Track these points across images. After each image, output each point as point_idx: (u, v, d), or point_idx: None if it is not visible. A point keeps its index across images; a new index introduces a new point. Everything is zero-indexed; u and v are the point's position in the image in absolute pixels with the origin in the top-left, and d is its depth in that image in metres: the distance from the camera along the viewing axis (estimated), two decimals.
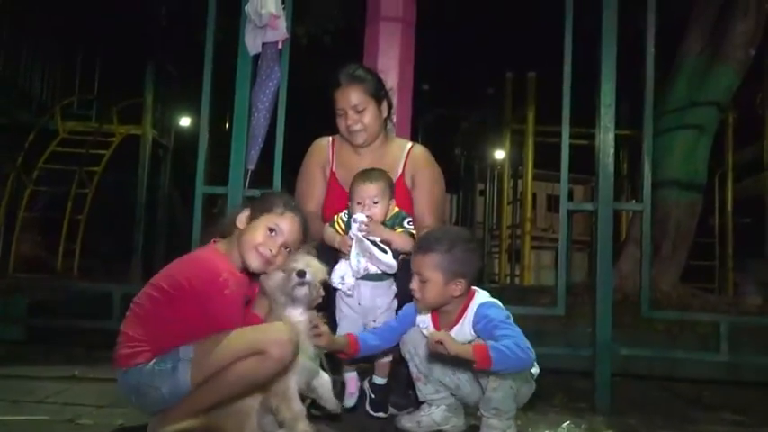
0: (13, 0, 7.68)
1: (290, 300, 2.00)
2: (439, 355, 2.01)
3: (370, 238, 2.24)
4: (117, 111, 8.64)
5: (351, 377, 2.43)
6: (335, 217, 2.41)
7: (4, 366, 3.07)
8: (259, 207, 2.08)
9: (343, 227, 2.36)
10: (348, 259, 2.25)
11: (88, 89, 9.12)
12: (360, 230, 2.24)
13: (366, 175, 2.39)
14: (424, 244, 2.13)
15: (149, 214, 8.95)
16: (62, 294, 4.79)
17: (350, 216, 2.34)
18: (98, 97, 9.12)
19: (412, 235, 2.32)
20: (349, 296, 2.29)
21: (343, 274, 2.25)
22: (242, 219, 2.07)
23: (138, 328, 1.91)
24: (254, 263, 2.01)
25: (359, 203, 2.33)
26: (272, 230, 2.02)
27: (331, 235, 2.36)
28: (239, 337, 1.85)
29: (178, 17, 7.87)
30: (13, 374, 2.92)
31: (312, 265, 2.02)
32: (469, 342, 2.02)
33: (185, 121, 10.51)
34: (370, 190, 2.33)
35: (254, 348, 1.81)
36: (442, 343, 1.88)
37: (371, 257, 2.21)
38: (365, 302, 2.30)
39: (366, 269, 2.24)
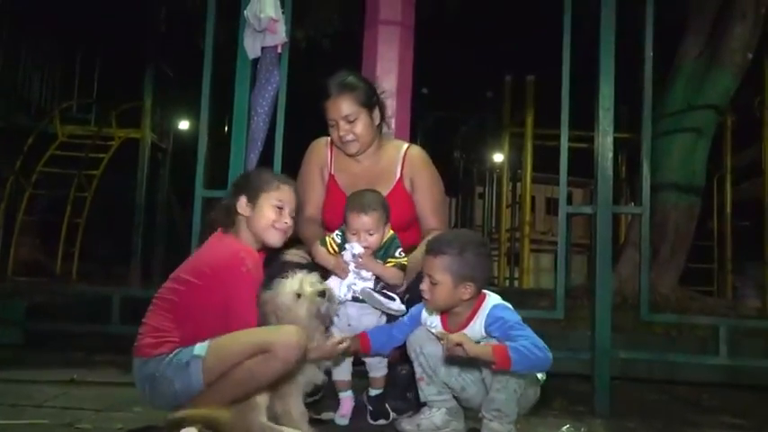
0: (13, 1, 7.68)
1: (321, 320, 2.09)
2: (456, 358, 2.00)
3: (373, 287, 2.25)
4: (116, 114, 8.64)
5: (347, 397, 2.40)
6: (327, 237, 2.36)
7: (2, 370, 3.05)
8: (253, 189, 2.16)
9: (336, 248, 2.33)
10: (338, 277, 2.27)
11: (87, 92, 9.12)
12: (353, 261, 2.25)
13: (361, 204, 2.29)
14: (435, 246, 2.13)
15: (148, 217, 8.94)
16: (61, 298, 4.78)
17: (343, 239, 2.32)
18: (97, 101, 9.13)
19: (403, 266, 2.31)
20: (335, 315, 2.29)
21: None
22: (242, 205, 2.14)
23: (164, 320, 1.95)
24: (274, 238, 2.15)
25: (354, 234, 2.29)
26: (278, 207, 2.13)
27: (324, 256, 2.32)
28: (248, 335, 1.90)
29: (177, 20, 7.88)
30: (12, 378, 2.90)
31: (305, 282, 2.07)
32: (479, 341, 2.03)
33: (184, 125, 10.52)
34: (365, 223, 2.27)
35: (262, 347, 1.84)
36: (461, 345, 1.88)
37: (381, 306, 2.24)
38: (353, 322, 2.30)
39: (355, 293, 2.25)
